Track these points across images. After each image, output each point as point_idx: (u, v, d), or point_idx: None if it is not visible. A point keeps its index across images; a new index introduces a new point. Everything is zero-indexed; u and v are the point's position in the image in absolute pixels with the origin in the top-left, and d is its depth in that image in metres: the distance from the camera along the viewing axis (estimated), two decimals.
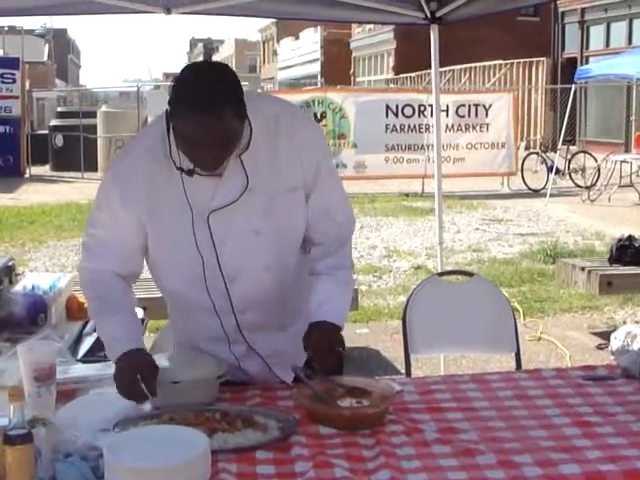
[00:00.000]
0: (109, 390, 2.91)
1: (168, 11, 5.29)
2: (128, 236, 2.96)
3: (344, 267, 3.09)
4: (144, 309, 6.26)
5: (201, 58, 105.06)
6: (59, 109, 32.72)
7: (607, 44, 30.08)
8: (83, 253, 3.07)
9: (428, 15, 5.51)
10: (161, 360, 2.94)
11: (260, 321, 3.05)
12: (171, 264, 3.00)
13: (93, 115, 25.88)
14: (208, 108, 2.61)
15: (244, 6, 5.34)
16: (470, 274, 4.40)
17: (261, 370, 3.10)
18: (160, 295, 7.29)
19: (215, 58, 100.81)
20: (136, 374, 2.71)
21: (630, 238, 8.67)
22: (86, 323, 4.13)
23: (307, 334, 2.88)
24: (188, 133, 2.66)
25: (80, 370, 3.13)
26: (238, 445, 2.50)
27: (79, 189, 21.22)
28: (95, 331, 4.00)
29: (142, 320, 4.32)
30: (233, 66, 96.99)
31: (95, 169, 24.49)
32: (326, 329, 2.87)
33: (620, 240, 8.67)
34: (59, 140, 26.20)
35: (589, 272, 8.31)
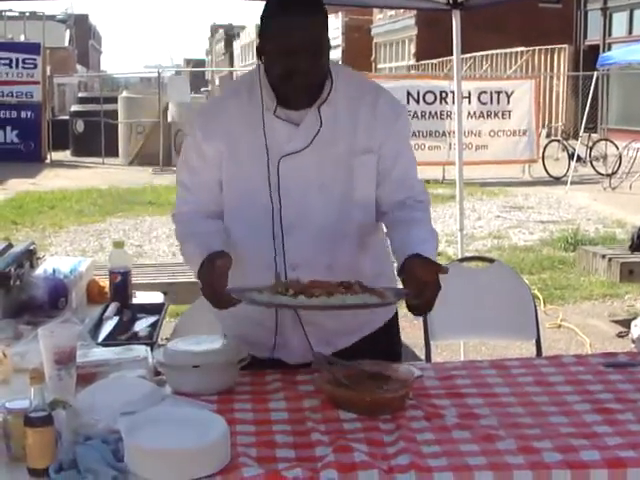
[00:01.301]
0: (129, 373, 2.92)
1: None
2: (213, 172, 3.02)
3: (424, 222, 3.02)
4: (165, 294, 6.29)
5: (222, 44, 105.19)
6: (80, 95, 32.81)
7: (630, 31, 29.91)
8: (177, 203, 3.16)
9: (450, 1, 5.49)
10: (182, 344, 2.95)
11: None
12: (240, 206, 3.03)
13: (114, 101, 25.90)
14: (299, 10, 2.79)
15: None
16: (491, 260, 4.39)
17: (298, 343, 3.06)
18: (181, 280, 7.36)
19: (236, 44, 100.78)
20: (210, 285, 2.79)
21: None
22: (107, 307, 4.13)
23: (407, 266, 2.77)
24: (284, 37, 2.79)
25: (100, 354, 3.13)
26: (355, 303, 2.57)
27: (100, 174, 21.29)
28: (120, 314, 4.05)
29: (162, 305, 4.33)
30: (254, 52, 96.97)
31: (116, 154, 24.60)
32: (426, 258, 2.76)
33: None
34: (80, 126, 26.25)
35: (610, 260, 8.28)
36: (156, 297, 4.78)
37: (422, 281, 2.69)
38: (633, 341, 3.30)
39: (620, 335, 7.69)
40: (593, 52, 27.64)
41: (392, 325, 3.29)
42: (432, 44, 36.07)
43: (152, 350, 3.23)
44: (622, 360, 3.18)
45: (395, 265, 2.91)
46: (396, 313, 3.30)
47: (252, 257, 3.00)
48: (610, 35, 31.22)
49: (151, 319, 4.02)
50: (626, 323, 7.36)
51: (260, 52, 2.93)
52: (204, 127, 3.01)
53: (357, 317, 3.08)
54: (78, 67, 58.99)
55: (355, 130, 2.96)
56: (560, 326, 8.05)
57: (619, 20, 30.81)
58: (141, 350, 3.14)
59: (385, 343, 3.23)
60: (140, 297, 4.58)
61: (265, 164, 2.94)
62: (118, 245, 4.42)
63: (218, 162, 2.99)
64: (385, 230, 3.08)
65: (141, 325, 3.94)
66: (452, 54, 5.99)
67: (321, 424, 2.58)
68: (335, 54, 52.03)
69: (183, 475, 2.21)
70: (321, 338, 3.07)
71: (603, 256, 8.44)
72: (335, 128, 2.93)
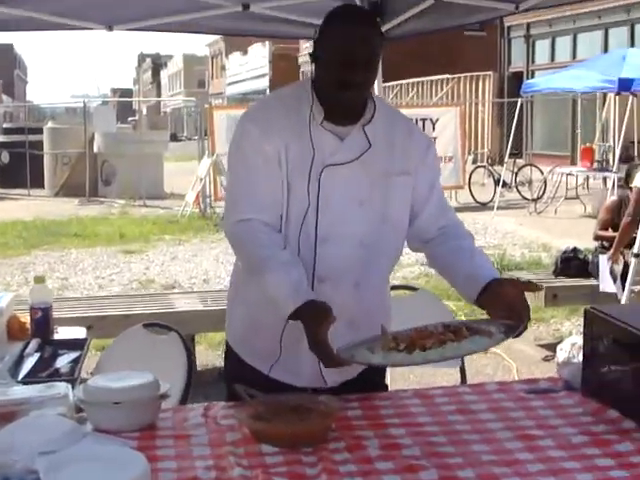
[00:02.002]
0: (49, 411, 2.87)
1: (110, 28, 5.29)
2: (276, 172, 2.96)
3: (478, 249, 3.11)
4: (89, 328, 6.23)
5: (149, 73, 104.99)
6: (5, 125, 32.43)
7: (552, 58, 30.45)
8: (227, 210, 3.07)
9: None
10: (103, 380, 2.91)
11: (334, 302, 2.94)
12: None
13: (39, 131, 25.69)
14: (363, 22, 2.91)
15: (187, 23, 5.35)
16: (414, 288, 4.41)
17: (306, 363, 3.02)
18: (107, 313, 7.29)
19: (163, 73, 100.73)
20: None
21: (575, 250, 8.76)
22: (27, 343, 4.08)
23: (492, 289, 2.84)
24: (342, 42, 2.84)
25: (20, 392, 3.06)
26: (470, 350, 2.55)
27: (25, 206, 21.06)
28: (42, 350, 3.98)
29: (84, 340, 4.29)
30: (182, 81, 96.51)
31: (42, 186, 24.38)
32: (513, 280, 2.91)
33: (565, 252, 8.77)
34: (5, 157, 26.00)
35: None
36: (79, 332, 4.72)
37: (512, 302, 2.77)
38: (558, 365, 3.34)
39: (546, 359, 7.78)
40: (517, 79, 28.09)
41: None
42: None
43: (73, 387, 3.18)
44: (543, 386, 3.21)
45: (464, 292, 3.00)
46: None
47: None
48: (533, 62, 31.73)
49: (73, 355, 3.97)
50: (552, 347, 7.43)
51: (315, 60, 2.95)
52: (262, 124, 2.97)
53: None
54: (3, 97, 58.42)
55: (392, 152, 3.03)
56: (487, 351, 8.11)
57: (542, 47, 31.34)
58: (62, 387, 3.09)
59: (378, 374, 3.31)
60: (62, 332, 4.52)
61: (308, 171, 2.94)
62: (39, 280, 4.37)
63: (277, 161, 2.95)
64: (435, 256, 3.16)
65: (63, 361, 3.89)
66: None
67: (243, 458, 2.56)
68: (262, 83, 52.22)
69: None
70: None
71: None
72: (375, 148, 2.99)
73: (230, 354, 3.31)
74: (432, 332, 2.65)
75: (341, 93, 2.88)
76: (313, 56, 2.95)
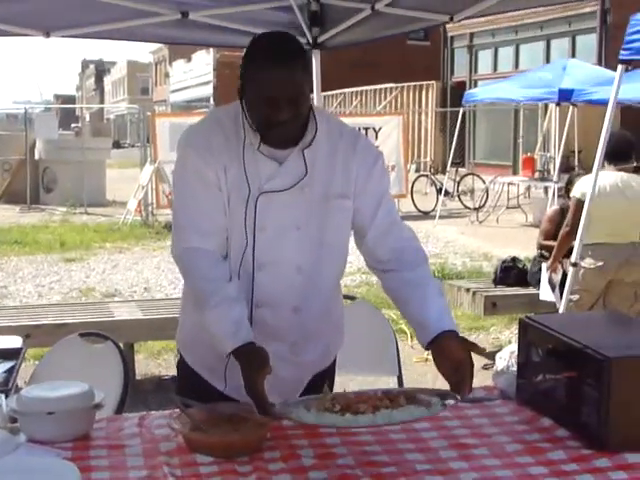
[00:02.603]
0: None
1: (47, 34, 5.25)
2: (217, 200, 2.93)
3: (431, 279, 3.05)
4: (27, 336, 6.17)
5: (93, 79, 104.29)
6: None
7: (495, 68, 30.75)
8: (174, 236, 3.01)
9: (310, 41, 5.55)
10: (36, 390, 2.89)
11: (273, 327, 3.01)
12: None
13: None
14: (281, 61, 2.77)
15: (126, 30, 5.33)
16: (352, 297, 4.43)
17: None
18: (44, 322, 7.22)
19: (107, 80, 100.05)
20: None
21: (514, 260, 8.85)
22: None
23: (440, 344, 2.81)
24: (264, 87, 2.77)
25: None
26: (403, 420, 2.53)
27: None
28: None
29: (20, 349, 4.24)
30: (125, 88, 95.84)
31: None
32: (461, 338, 2.83)
33: (504, 262, 8.85)
34: None
35: (474, 294, 8.46)
36: (14, 341, 4.67)
37: (457, 359, 2.75)
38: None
39: (485, 367, 7.80)
40: (460, 88, 28.28)
41: (331, 368, 3.34)
42: None
43: (7, 397, 3.14)
44: (478, 395, 3.22)
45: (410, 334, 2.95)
46: (335, 358, 3.35)
47: None
48: (476, 72, 32.02)
49: (8, 364, 3.92)
50: (491, 355, 7.46)
51: (240, 94, 2.89)
52: (201, 149, 2.93)
53: (309, 372, 3.16)
54: None
55: (333, 174, 2.98)
56: (427, 359, 8.13)
57: (485, 57, 31.64)
58: None
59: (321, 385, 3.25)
60: None
61: (245, 198, 2.91)
62: None
63: (217, 186, 2.92)
64: (390, 290, 3.07)
65: None
66: (324, 91, 6.06)
67: (177, 468, 2.55)
68: (207, 90, 52.08)
69: None
70: (276, 388, 2.93)
71: (467, 290, 8.62)
72: (314, 172, 2.94)
73: (180, 362, 3.27)
74: (370, 397, 2.65)
75: (272, 130, 2.84)
76: (240, 91, 2.90)
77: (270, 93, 2.77)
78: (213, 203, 2.94)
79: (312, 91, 2.92)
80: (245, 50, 2.88)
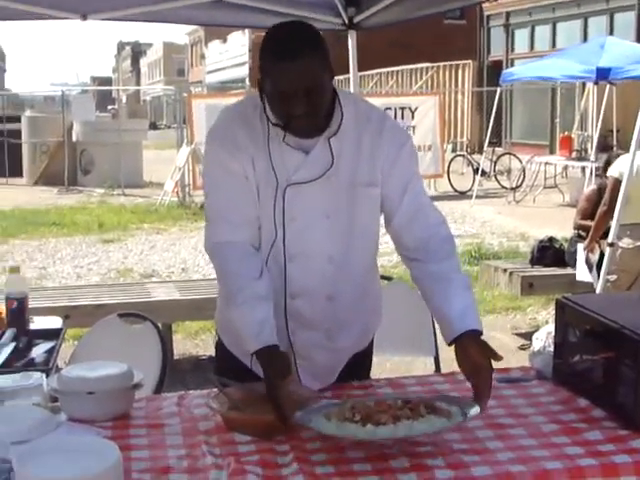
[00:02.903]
0: (24, 401, 2.88)
1: (84, 17, 5.28)
2: (245, 191, 2.94)
3: (457, 273, 3.01)
4: (67, 317, 6.23)
5: (129, 61, 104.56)
6: None
7: (532, 47, 30.52)
8: (207, 230, 3.02)
9: (346, 21, 5.53)
10: (77, 370, 2.93)
11: (308, 316, 3.03)
12: None
13: (18, 120, 25.52)
14: (296, 53, 2.72)
15: (161, 13, 5.34)
16: (389, 278, 4.44)
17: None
18: (83, 303, 7.29)
19: (143, 61, 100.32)
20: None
21: (551, 240, 8.81)
22: (3, 333, 4.08)
23: (461, 346, 2.80)
24: (277, 82, 2.75)
25: None
26: (424, 431, 2.50)
27: (3, 195, 20.93)
28: (17, 340, 3.99)
29: (60, 330, 4.29)
30: (161, 69, 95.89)
31: (20, 174, 24.23)
32: (482, 343, 2.79)
33: (541, 242, 8.82)
34: None
35: (511, 274, 8.44)
36: (54, 322, 4.73)
37: (477, 364, 2.74)
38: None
39: (522, 348, 7.81)
40: (497, 68, 28.12)
41: (369, 349, 3.33)
42: (338, 61, 36.04)
43: (48, 376, 3.19)
44: (515, 376, 3.24)
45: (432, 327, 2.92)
46: (372, 338, 3.34)
47: None
48: (513, 51, 31.80)
49: (48, 345, 3.98)
50: (528, 336, 7.45)
51: (260, 86, 2.88)
52: (227, 143, 2.93)
53: (345, 353, 3.17)
54: None
55: (358, 162, 2.95)
56: None
57: (521, 36, 31.41)
58: (36, 377, 3.10)
59: (358, 366, 3.28)
60: (38, 322, 4.52)
61: (273, 191, 2.91)
62: (14, 270, 4.37)
63: (245, 177, 2.93)
64: (416, 280, 3.03)
65: (38, 351, 3.90)
66: (360, 71, 6.04)
67: (216, 447, 2.58)
68: (242, 71, 52.08)
69: None
70: (312, 373, 3.07)
71: (504, 270, 8.60)
72: (340, 160, 2.92)
73: (219, 343, 3.29)
74: (390, 406, 2.62)
75: (291, 123, 2.82)
76: (259, 83, 2.88)
77: (283, 88, 2.75)
78: (242, 195, 2.94)
79: (332, 77, 2.85)
80: (261, 43, 2.85)
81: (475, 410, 2.60)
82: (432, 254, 2.97)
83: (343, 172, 2.93)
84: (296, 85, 2.73)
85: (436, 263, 2.95)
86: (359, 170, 2.95)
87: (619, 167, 6.82)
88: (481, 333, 2.82)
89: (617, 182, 6.68)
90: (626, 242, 6.80)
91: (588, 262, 7.47)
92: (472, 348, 2.76)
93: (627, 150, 6.73)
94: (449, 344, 2.87)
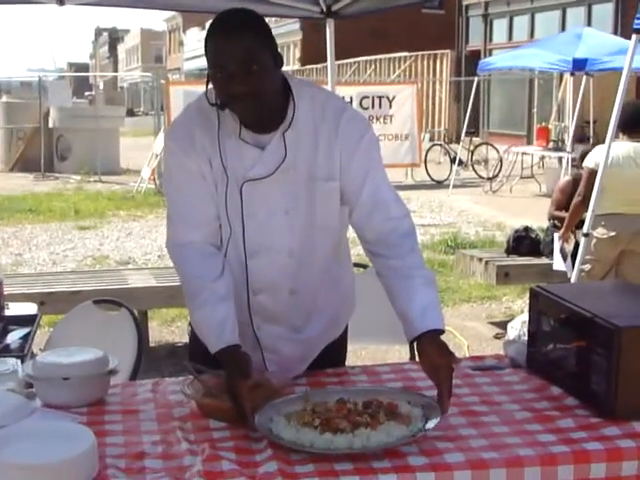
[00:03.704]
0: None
1: (61, 2, 5.25)
2: (203, 191, 2.93)
3: (420, 269, 2.95)
4: (42, 304, 6.22)
5: (106, 47, 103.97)
6: None
7: (510, 37, 30.54)
8: (168, 230, 3.02)
9: (324, 9, 5.54)
10: (52, 356, 2.93)
11: (272, 311, 3.04)
12: None
13: None
14: (231, 30, 2.72)
15: None
16: (364, 266, 4.45)
17: (255, 364, 2.90)
18: (58, 289, 7.28)
19: (120, 48, 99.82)
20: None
21: (527, 229, 8.85)
22: None
23: (420, 347, 2.80)
24: (213, 59, 2.76)
25: None
26: (380, 444, 2.46)
27: None
28: None
29: (35, 316, 4.29)
30: (138, 56, 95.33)
31: None
32: (441, 343, 2.78)
33: (517, 231, 8.85)
34: None
35: (486, 263, 8.47)
36: (30, 308, 4.72)
37: (436, 364, 2.73)
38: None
39: (497, 337, 7.86)
40: (475, 57, 28.12)
41: (342, 337, 3.34)
42: (317, 49, 36.07)
43: (23, 362, 3.19)
44: (489, 363, 3.26)
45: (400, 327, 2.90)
46: (346, 327, 3.35)
47: None
48: (491, 41, 31.82)
49: (23, 331, 3.98)
50: (503, 325, 7.50)
51: (208, 75, 2.85)
52: (183, 142, 2.92)
53: (316, 346, 3.18)
54: None
55: (316, 155, 2.92)
56: None
57: (500, 26, 31.43)
58: (11, 363, 3.10)
59: (332, 355, 3.28)
60: (13, 308, 4.51)
61: (224, 188, 2.91)
62: None
63: (202, 176, 2.92)
64: (378, 275, 3.00)
65: (13, 337, 3.90)
66: (339, 59, 6.05)
67: (190, 433, 2.59)
68: None
69: None
70: (280, 365, 3.08)
71: (480, 259, 8.63)
72: (297, 153, 2.90)
73: (192, 331, 3.29)
74: (350, 410, 2.60)
75: (232, 105, 2.81)
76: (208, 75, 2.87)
77: (219, 62, 2.74)
78: (199, 194, 2.93)
79: (279, 65, 2.81)
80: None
81: (434, 422, 2.57)
82: (394, 249, 2.94)
83: (301, 166, 2.92)
84: (231, 59, 2.71)
85: (398, 259, 2.93)
86: (317, 164, 2.93)
87: (594, 157, 6.85)
88: (442, 332, 2.81)
89: (592, 172, 6.71)
90: (600, 232, 6.83)
91: (563, 252, 7.50)
92: (431, 348, 2.76)
93: (603, 141, 6.76)
94: (410, 342, 2.89)
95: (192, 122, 2.94)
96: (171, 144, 2.97)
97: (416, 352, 2.86)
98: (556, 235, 7.65)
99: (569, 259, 7.32)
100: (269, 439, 2.50)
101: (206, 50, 2.79)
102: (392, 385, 3.03)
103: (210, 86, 2.86)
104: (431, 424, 2.56)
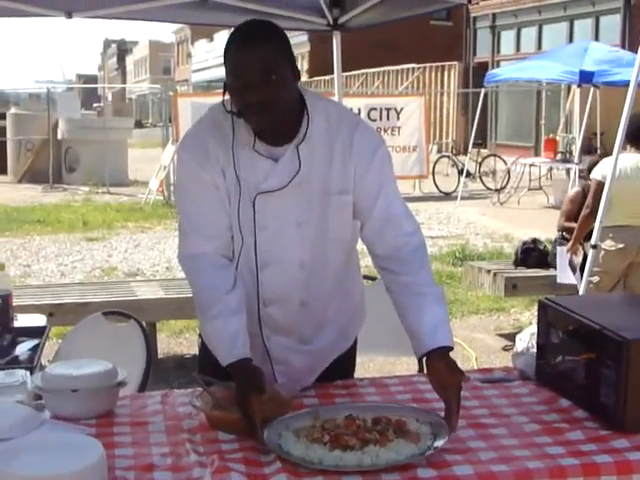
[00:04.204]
0: (8, 399, 2.88)
1: (69, 15, 5.27)
2: (216, 202, 2.93)
3: (430, 286, 2.95)
4: (51, 315, 6.23)
5: (115, 59, 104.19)
6: None
7: (517, 49, 30.59)
8: (180, 241, 3.03)
9: (331, 22, 5.54)
10: (61, 368, 2.93)
11: (282, 322, 3.04)
12: None
13: (2, 117, 25.41)
14: (252, 40, 2.75)
15: (147, 11, 5.34)
16: (373, 278, 4.44)
17: (264, 375, 2.89)
18: (67, 301, 7.28)
19: (129, 59, 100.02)
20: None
21: (535, 241, 8.83)
22: None
23: (430, 364, 2.80)
24: (232, 67, 2.77)
25: None
26: (389, 462, 2.44)
27: None
28: (1, 338, 3.98)
29: (44, 328, 4.29)
30: (147, 68, 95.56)
31: (4, 172, 24.19)
32: (450, 361, 2.79)
33: (525, 243, 8.83)
34: None
35: (495, 275, 8.46)
36: (39, 320, 4.73)
37: (445, 381, 2.73)
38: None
39: (505, 349, 7.84)
40: (482, 69, 28.12)
41: (352, 349, 3.33)
42: (325, 61, 36.13)
43: (32, 374, 3.19)
44: (497, 376, 3.26)
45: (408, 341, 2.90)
46: (355, 339, 3.34)
47: None
48: (499, 53, 31.88)
49: (32, 342, 3.98)
50: (512, 336, 7.49)
51: (225, 86, 2.86)
52: (197, 153, 2.91)
53: (325, 357, 3.17)
54: None
55: (330, 169, 2.92)
56: None
57: (507, 38, 31.48)
58: (20, 374, 3.10)
59: (341, 367, 3.28)
60: (22, 320, 4.52)
61: (237, 200, 2.91)
62: None
63: (215, 187, 2.91)
64: (388, 291, 3.00)
65: (22, 349, 3.90)
66: (346, 71, 6.05)
67: (199, 445, 2.59)
68: None
69: None
70: (289, 376, 3.07)
71: (488, 271, 8.62)
72: (311, 167, 2.89)
73: (202, 342, 3.28)
74: (359, 427, 2.60)
75: (248, 115, 2.81)
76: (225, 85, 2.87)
77: (238, 70, 2.75)
78: (213, 206, 2.93)
79: (296, 77, 2.84)
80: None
81: (442, 440, 2.56)
82: (405, 265, 2.94)
83: (314, 180, 2.92)
84: (250, 72, 2.73)
85: (409, 275, 2.93)
86: (331, 178, 2.93)
87: (602, 170, 6.84)
88: (451, 349, 2.82)
89: (600, 184, 6.69)
90: (608, 244, 6.83)
91: (571, 264, 7.49)
92: (440, 365, 2.76)
93: (611, 153, 6.75)
94: (418, 359, 2.90)
95: (206, 133, 2.94)
96: (184, 155, 2.98)
97: (426, 368, 2.86)
98: (559, 249, 7.64)
99: (578, 271, 7.30)
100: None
101: (225, 59, 2.80)
102: (401, 397, 3.02)
103: (227, 96, 2.86)
104: (439, 442, 2.55)
